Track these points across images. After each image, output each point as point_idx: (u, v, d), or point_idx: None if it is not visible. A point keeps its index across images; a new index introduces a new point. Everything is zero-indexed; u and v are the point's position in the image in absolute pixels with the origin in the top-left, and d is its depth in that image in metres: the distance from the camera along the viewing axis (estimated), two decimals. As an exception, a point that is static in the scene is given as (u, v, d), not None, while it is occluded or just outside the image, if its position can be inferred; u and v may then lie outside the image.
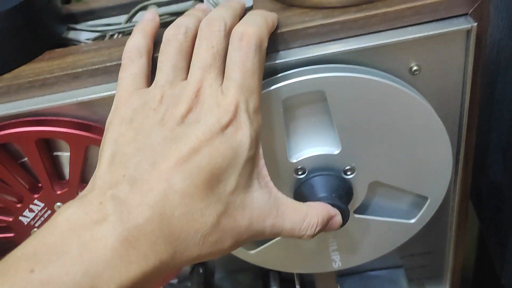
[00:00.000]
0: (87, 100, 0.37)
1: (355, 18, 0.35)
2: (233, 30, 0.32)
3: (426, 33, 0.35)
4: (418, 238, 0.47)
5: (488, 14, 0.36)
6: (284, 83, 0.35)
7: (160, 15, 0.48)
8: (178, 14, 0.48)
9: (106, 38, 0.47)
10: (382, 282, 0.50)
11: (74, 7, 0.49)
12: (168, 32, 0.34)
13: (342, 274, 0.52)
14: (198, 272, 0.48)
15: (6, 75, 0.38)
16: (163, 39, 0.34)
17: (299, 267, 0.47)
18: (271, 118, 0.37)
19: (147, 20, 0.37)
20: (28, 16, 0.39)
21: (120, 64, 0.36)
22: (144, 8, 0.48)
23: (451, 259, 0.51)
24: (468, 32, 0.35)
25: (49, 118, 0.37)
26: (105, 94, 0.37)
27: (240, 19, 0.34)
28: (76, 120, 0.38)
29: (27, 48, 0.40)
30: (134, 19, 0.49)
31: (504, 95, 0.50)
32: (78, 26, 0.47)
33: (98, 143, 0.37)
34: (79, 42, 0.47)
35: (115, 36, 0.48)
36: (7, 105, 0.38)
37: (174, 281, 0.49)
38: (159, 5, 0.48)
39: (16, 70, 0.39)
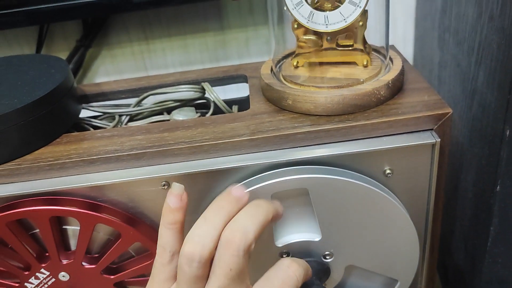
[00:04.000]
0: (100, 185, 0.42)
1: (338, 128, 0.41)
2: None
3: (397, 145, 0.41)
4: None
5: (450, 131, 0.42)
6: (273, 181, 0.41)
7: (164, 101, 0.54)
8: (181, 101, 0.54)
9: (116, 120, 0.52)
10: None
11: (87, 88, 0.55)
12: (185, 251, 0.33)
13: None
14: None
15: (27, 156, 0.43)
16: (181, 258, 0.34)
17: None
18: (261, 208, 0.42)
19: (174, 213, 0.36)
20: (53, 104, 0.44)
21: (130, 155, 0.41)
22: (152, 95, 0.53)
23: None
24: (433, 145, 0.41)
25: (63, 197, 0.42)
26: (115, 180, 0.41)
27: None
28: (87, 201, 0.42)
29: (48, 132, 0.45)
30: (142, 103, 0.54)
31: (466, 192, 0.55)
32: (91, 107, 0.53)
33: (105, 221, 0.42)
34: (90, 121, 0.52)
35: (123, 117, 0.53)
36: (26, 184, 0.42)
37: None
38: (159, 94, 0.53)
39: (36, 152, 0.44)
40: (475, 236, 0.53)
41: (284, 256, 0.44)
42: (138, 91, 0.55)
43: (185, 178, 0.42)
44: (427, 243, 0.47)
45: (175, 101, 0.54)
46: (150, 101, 0.54)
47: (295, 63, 0.48)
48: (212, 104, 0.54)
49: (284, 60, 0.50)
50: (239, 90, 0.58)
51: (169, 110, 0.54)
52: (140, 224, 0.43)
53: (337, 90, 0.43)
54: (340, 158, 0.42)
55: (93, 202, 0.42)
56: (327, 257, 0.45)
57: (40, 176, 0.42)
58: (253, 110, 0.46)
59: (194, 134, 0.43)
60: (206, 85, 0.51)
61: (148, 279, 0.47)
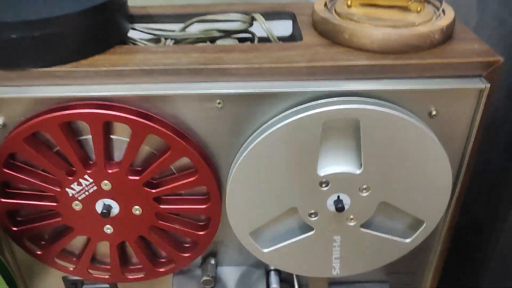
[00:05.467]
0: (156, 95, 0.42)
1: (394, 64, 0.42)
2: None
3: (447, 86, 0.43)
4: (405, 258, 0.55)
5: (498, 80, 0.43)
6: (327, 109, 0.42)
7: (208, 30, 0.54)
8: (225, 32, 0.54)
9: (162, 42, 0.52)
10: (369, 293, 0.57)
11: (134, 10, 0.55)
12: None
13: (333, 282, 0.58)
14: (210, 262, 0.53)
15: (83, 61, 0.43)
16: None
17: (303, 270, 0.53)
18: (310, 136, 0.43)
19: None
20: (109, 13, 0.44)
21: (189, 69, 0.42)
22: (199, 21, 0.53)
23: (429, 280, 0.58)
24: (481, 91, 0.43)
25: (118, 104, 0.42)
26: (172, 92, 0.42)
27: None
28: (141, 111, 0.43)
29: (102, 40, 0.45)
30: (187, 29, 0.54)
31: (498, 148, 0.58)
32: (138, 27, 0.53)
33: (157, 132, 0.43)
34: (135, 41, 0.52)
35: (168, 41, 0.53)
36: (82, 87, 0.42)
37: (186, 268, 0.54)
38: (211, 20, 0.54)
39: (91, 58, 0.44)
40: (503, 189, 0.55)
41: (323, 186, 0.46)
42: (184, 17, 0.55)
43: (239, 98, 0.43)
44: (456, 191, 0.50)
45: (219, 31, 0.54)
46: (194, 29, 0.54)
47: (348, 3, 0.49)
48: (256, 39, 0.55)
49: (336, 0, 0.51)
50: (280, 29, 0.58)
51: (212, 40, 0.55)
52: (189, 140, 0.44)
53: (394, 29, 0.44)
54: (391, 94, 0.43)
55: (146, 113, 0.43)
56: (364, 191, 0.47)
57: (96, 81, 0.42)
58: (306, 42, 0.46)
59: (250, 57, 0.44)
60: (257, 16, 0.51)
61: (184, 198, 0.49)
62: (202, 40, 0.54)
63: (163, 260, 0.53)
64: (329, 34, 0.46)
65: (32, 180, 0.45)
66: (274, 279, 0.55)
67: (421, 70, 0.43)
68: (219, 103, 0.43)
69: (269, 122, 0.44)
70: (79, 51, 0.43)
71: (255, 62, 0.43)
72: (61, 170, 0.45)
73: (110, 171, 0.45)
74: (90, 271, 0.53)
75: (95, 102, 0.42)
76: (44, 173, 0.46)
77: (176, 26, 0.55)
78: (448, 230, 0.53)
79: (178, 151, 0.44)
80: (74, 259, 0.53)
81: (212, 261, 0.53)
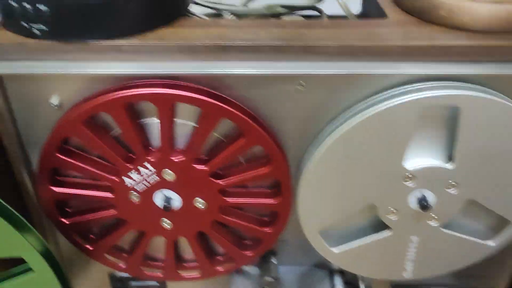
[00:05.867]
0: (231, 74, 0.38)
1: (502, 45, 0.37)
2: None
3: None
4: (481, 262, 0.50)
5: None
6: (425, 94, 0.37)
7: (271, 5, 0.49)
8: (289, 8, 0.49)
9: (224, 16, 0.48)
10: (437, 298, 0.52)
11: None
12: None
13: (397, 285, 0.54)
14: (272, 261, 0.49)
15: (149, 34, 0.38)
16: None
17: (372, 271, 0.49)
18: (403, 125, 0.39)
19: None
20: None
21: (271, 47, 0.37)
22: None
23: (503, 286, 0.53)
24: None
25: (188, 84, 0.38)
26: (250, 71, 0.37)
27: None
28: (214, 92, 0.38)
29: (167, 10, 0.40)
30: (250, 5, 0.50)
31: None
32: (198, 0, 0.48)
33: (231, 116, 0.38)
34: (194, 15, 0.47)
35: (229, 16, 0.48)
36: (148, 63, 0.38)
37: (246, 268, 0.50)
38: (277, -3, 0.49)
39: (157, 31, 0.39)
40: None
41: (407, 181, 0.41)
42: (245, -9, 0.50)
43: (324, 80, 0.38)
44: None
45: (284, 6, 0.49)
46: (256, 4, 0.50)
47: (439, -23, 0.44)
48: (324, 16, 0.50)
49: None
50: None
51: (275, 17, 0.50)
52: (264, 127, 0.40)
53: (501, 5, 0.39)
54: (496, 80, 0.38)
55: (219, 94, 0.38)
56: (450, 187, 0.42)
57: (165, 57, 0.38)
58: (393, 20, 0.42)
59: (338, 34, 0.39)
60: (333, -10, 0.46)
61: (250, 191, 0.44)
62: (265, 16, 0.49)
63: (220, 258, 0.49)
64: (420, 11, 0.41)
65: (87, 167, 0.41)
66: (338, 281, 0.51)
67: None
68: (301, 85, 0.38)
69: (356, 108, 0.39)
70: (144, 22, 0.38)
71: (343, 40, 0.38)
72: (120, 156, 0.40)
73: (174, 159, 0.40)
74: (142, 268, 0.48)
75: (163, 81, 0.37)
76: (99, 160, 0.41)
77: (235, 1, 0.50)
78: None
79: (253, 138, 0.39)
80: (125, 255, 0.48)
81: (274, 260, 0.49)
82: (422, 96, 0.37)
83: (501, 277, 0.53)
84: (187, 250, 0.48)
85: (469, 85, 0.38)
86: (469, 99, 0.37)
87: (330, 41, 0.37)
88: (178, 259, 0.49)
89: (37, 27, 0.36)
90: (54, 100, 0.38)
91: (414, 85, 0.38)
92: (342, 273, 0.52)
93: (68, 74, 0.37)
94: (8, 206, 0.37)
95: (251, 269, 0.51)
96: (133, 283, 0.52)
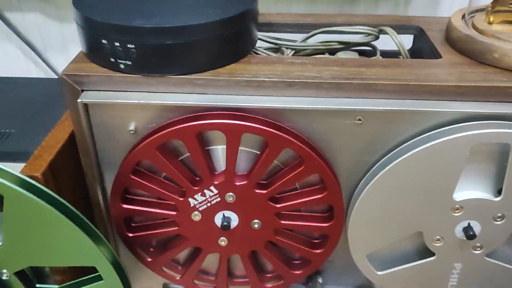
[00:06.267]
0: (294, 109, 0.41)
1: (553, 88, 0.40)
2: None
3: None
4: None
5: None
6: (478, 132, 0.39)
7: (327, 41, 0.52)
8: (345, 44, 0.52)
9: (285, 53, 0.51)
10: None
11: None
12: None
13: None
14: (318, 281, 0.51)
15: (220, 70, 0.42)
16: None
17: (415, 295, 0.51)
18: (455, 159, 0.41)
19: None
20: (244, 23, 0.43)
21: (332, 83, 0.40)
22: (323, 32, 0.52)
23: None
24: None
25: (255, 116, 0.41)
26: (313, 107, 0.40)
27: None
28: (278, 123, 0.41)
29: (238, 49, 0.43)
30: (309, 40, 0.52)
31: None
32: (261, 36, 0.51)
33: (293, 146, 0.41)
34: (256, 49, 0.50)
35: (289, 52, 0.51)
36: (217, 96, 0.41)
37: (294, 286, 0.52)
38: (336, 32, 0.52)
39: (228, 67, 0.42)
40: None
41: (456, 211, 0.44)
42: (302, 27, 0.53)
43: (380, 115, 0.41)
44: None
45: (340, 42, 0.52)
46: (313, 39, 0.53)
47: (490, 19, 0.46)
48: (378, 52, 0.53)
49: (473, 15, 0.49)
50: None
51: (331, 52, 0.53)
52: (322, 157, 0.42)
53: (551, 50, 0.41)
54: (546, 120, 0.40)
55: (283, 126, 0.41)
56: (498, 219, 0.44)
57: (234, 91, 0.41)
58: (448, 60, 0.44)
59: (395, 73, 0.41)
60: (388, 29, 0.49)
61: (304, 215, 0.47)
62: (321, 51, 0.52)
63: (269, 275, 0.52)
64: (474, 53, 0.44)
65: (156, 188, 0.44)
66: (379, 304, 0.53)
67: None
68: (359, 119, 0.41)
69: (411, 142, 0.42)
70: (216, 59, 0.42)
71: (400, 79, 0.41)
72: (187, 179, 0.44)
73: (237, 183, 0.44)
74: (195, 281, 0.52)
75: (233, 113, 0.41)
76: (167, 182, 0.45)
77: (295, 36, 0.53)
78: None
79: (311, 167, 0.42)
80: (180, 268, 0.51)
81: (320, 280, 0.51)
82: (475, 133, 0.40)
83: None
84: (238, 266, 0.52)
85: (520, 124, 0.41)
86: (520, 138, 0.40)
87: (387, 79, 0.40)
88: (230, 274, 0.52)
89: (123, 62, 0.39)
90: (131, 127, 0.42)
91: (468, 123, 0.40)
92: (384, 295, 0.54)
93: (147, 104, 0.41)
94: (85, 219, 0.41)
95: (298, 287, 0.54)
96: (185, 295, 0.55)
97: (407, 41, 0.54)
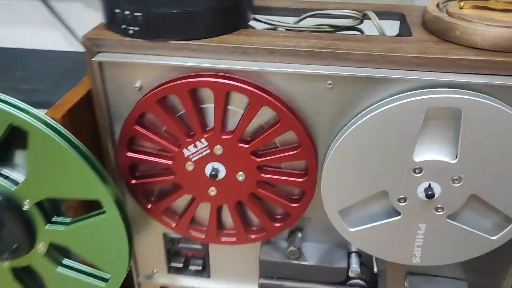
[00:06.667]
0: (275, 71, 0.47)
1: (503, 61, 0.45)
2: None
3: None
4: (488, 258, 0.56)
5: None
6: (432, 96, 0.45)
7: (319, 25, 0.58)
8: (335, 27, 0.58)
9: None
10: (446, 288, 0.59)
11: (256, 1, 0.60)
12: None
13: (410, 273, 0.60)
14: (297, 235, 0.57)
15: (214, 38, 0.49)
16: None
17: (384, 253, 0.56)
18: (412, 122, 0.46)
19: None
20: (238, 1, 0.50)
21: (307, 51, 0.46)
22: (314, 16, 0.58)
23: (509, 284, 0.58)
24: None
25: (238, 77, 0.48)
26: (290, 70, 0.47)
27: None
28: (258, 85, 0.48)
29: (231, 22, 0.51)
30: (301, 23, 0.59)
31: None
32: (258, 17, 0.58)
33: (270, 104, 0.48)
34: (254, 29, 0.57)
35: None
36: (210, 60, 0.48)
37: (273, 240, 0.59)
38: (324, 15, 0.58)
39: (221, 36, 0.49)
40: None
41: (416, 172, 0.49)
42: (299, 11, 0.60)
43: (348, 81, 0.47)
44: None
45: (330, 26, 0.58)
46: (307, 23, 0.59)
47: (461, 5, 0.51)
48: (364, 35, 0.58)
49: (447, 3, 0.54)
50: (387, 29, 0.62)
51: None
52: (297, 116, 0.49)
53: (506, 28, 0.46)
54: (496, 89, 0.45)
55: (263, 87, 0.48)
56: (456, 182, 0.49)
57: (224, 56, 0.48)
58: (416, 38, 0.50)
59: (364, 46, 0.47)
60: (370, 13, 0.55)
61: (283, 171, 0.53)
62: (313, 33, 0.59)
63: (254, 228, 0.58)
64: (440, 32, 0.49)
65: (155, 138, 0.52)
66: (354, 260, 0.58)
67: (528, 70, 0.45)
68: (330, 84, 0.47)
69: (374, 106, 0.48)
70: (211, 29, 0.49)
71: (367, 50, 0.47)
72: (182, 131, 0.51)
73: (224, 137, 0.50)
74: (189, 230, 0.59)
75: (221, 73, 0.48)
76: (165, 134, 0.52)
77: (291, 19, 0.60)
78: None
79: (287, 124, 0.48)
80: (177, 217, 0.59)
81: (299, 235, 0.57)
82: (429, 97, 0.45)
83: (508, 276, 0.58)
84: (225, 220, 0.58)
85: (471, 92, 0.45)
86: (470, 102, 0.45)
87: (356, 50, 0.46)
88: (220, 227, 0.59)
89: (132, 29, 0.47)
90: (137, 84, 0.50)
91: (425, 89, 0.46)
92: (359, 255, 0.59)
93: (149, 64, 0.49)
94: (95, 159, 0.49)
95: (280, 242, 0.60)
96: (181, 245, 0.62)
97: (396, 28, 0.60)
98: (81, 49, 0.50)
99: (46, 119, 0.47)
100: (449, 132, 0.48)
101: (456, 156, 0.48)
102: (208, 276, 0.65)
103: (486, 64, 0.45)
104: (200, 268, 0.63)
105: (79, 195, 0.51)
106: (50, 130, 0.47)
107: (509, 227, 0.52)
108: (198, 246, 0.62)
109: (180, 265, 0.63)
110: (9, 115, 0.46)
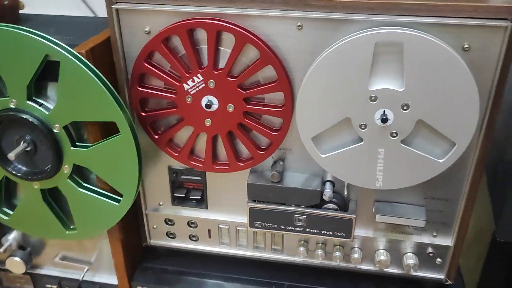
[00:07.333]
0: (254, 15, 0.59)
1: (438, 5, 0.55)
2: None
3: (478, 23, 0.55)
4: (440, 184, 0.65)
5: (522, 21, 0.55)
6: (379, 31, 0.56)
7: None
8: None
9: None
10: (407, 213, 0.68)
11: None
12: None
13: (378, 200, 0.70)
14: (279, 163, 0.68)
15: (208, -8, 0.61)
16: None
17: (352, 178, 0.66)
18: (364, 55, 0.57)
19: None
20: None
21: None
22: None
23: (461, 210, 0.67)
24: (506, 28, 0.54)
25: (227, 20, 0.60)
26: (264, 13, 0.59)
27: None
28: (243, 26, 0.60)
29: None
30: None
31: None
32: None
33: (252, 42, 0.59)
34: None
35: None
36: (204, 8, 0.60)
37: (259, 169, 0.69)
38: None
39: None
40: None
41: (372, 99, 0.59)
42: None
43: (315, 22, 0.58)
44: (485, 120, 0.60)
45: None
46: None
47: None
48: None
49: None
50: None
51: None
52: (274, 53, 0.60)
53: (440, -21, 0.57)
54: (432, 27, 0.56)
55: (246, 28, 0.60)
56: (404, 108, 0.59)
57: (216, 4, 0.60)
58: (371, -9, 0.61)
59: (327, -5, 0.59)
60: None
61: (265, 104, 0.64)
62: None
63: (243, 158, 0.69)
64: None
65: (161, 74, 0.64)
66: (328, 186, 0.68)
67: (458, 11, 0.55)
68: (299, 25, 0.59)
69: (334, 43, 0.59)
70: (206, -16, 0.61)
71: (329, -2, 0.58)
72: (182, 68, 0.63)
73: (216, 72, 0.62)
74: (190, 160, 0.70)
75: (213, 17, 0.60)
76: (169, 72, 0.64)
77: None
78: (478, 163, 0.63)
79: (266, 58, 0.60)
80: (179, 149, 0.70)
81: (281, 163, 0.68)
82: (376, 33, 0.56)
83: (460, 201, 0.67)
84: (221, 152, 0.69)
85: (410, 28, 0.56)
86: (409, 36, 0.56)
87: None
88: (214, 157, 0.70)
89: (143, -19, 0.60)
90: (147, 28, 0.62)
91: (373, 28, 0.57)
92: (333, 183, 0.69)
93: (158, 10, 0.61)
94: (113, 89, 0.61)
95: (265, 171, 0.70)
96: (183, 177, 0.74)
97: None
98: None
99: (74, 52, 0.60)
100: (397, 64, 0.58)
101: (403, 86, 0.58)
102: (206, 207, 0.76)
103: (422, 7, 0.56)
104: (199, 197, 0.74)
105: (99, 117, 0.63)
106: (77, 61, 0.59)
107: (452, 150, 0.61)
108: (198, 178, 0.73)
109: (182, 195, 0.74)
110: (46, 46, 0.59)
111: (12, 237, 0.81)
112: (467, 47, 0.56)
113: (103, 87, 0.60)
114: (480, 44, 0.56)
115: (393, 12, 0.57)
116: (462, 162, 0.64)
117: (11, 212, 0.75)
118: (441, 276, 0.74)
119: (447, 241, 0.71)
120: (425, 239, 0.72)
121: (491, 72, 0.58)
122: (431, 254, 0.73)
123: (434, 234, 0.71)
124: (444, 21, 0.56)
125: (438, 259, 0.73)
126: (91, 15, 1.10)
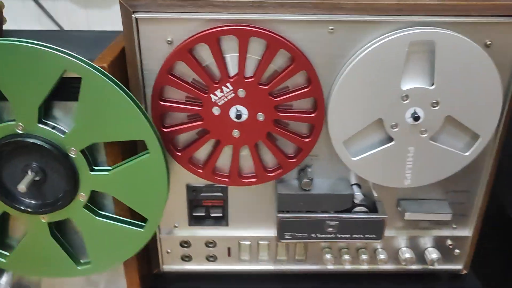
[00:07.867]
0: (286, 20, 0.58)
1: (461, 4, 0.58)
2: None
3: (499, 20, 0.58)
4: (462, 176, 0.68)
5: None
6: (412, 32, 0.57)
7: None
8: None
9: None
10: (433, 208, 0.69)
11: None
12: None
13: (401, 198, 0.71)
14: (308, 170, 0.66)
15: (233, -2, 0.59)
16: None
17: (382, 179, 0.66)
18: (397, 55, 0.58)
19: None
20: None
21: (309, 3, 0.57)
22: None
23: (480, 199, 0.70)
24: (526, 24, 0.58)
25: (258, 26, 0.58)
26: (297, 18, 0.58)
27: None
28: (274, 32, 0.58)
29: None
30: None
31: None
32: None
33: (286, 47, 0.58)
34: None
35: None
36: (233, 15, 0.58)
37: (286, 179, 0.68)
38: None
39: (238, -3, 0.60)
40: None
41: (404, 99, 0.60)
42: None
43: (346, 25, 0.58)
44: (504, 114, 0.64)
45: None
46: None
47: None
48: None
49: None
50: None
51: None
52: (307, 57, 0.59)
53: (460, -19, 0.60)
54: (458, 26, 0.58)
55: (279, 34, 0.58)
56: (434, 105, 0.61)
57: (244, 11, 0.58)
58: (392, -6, 0.63)
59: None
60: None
61: (296, 110, 0.63)
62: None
63: (270, 168, 0.67)
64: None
65: (186, 85, 0.60)
66: (356, 189, 0.68)
67: (478, 10, 0.58)
68: (331, 29, 0.58)
69: (366, 46, 0.59)
70: (230, -10, 0.59)
71: (359, 2, 0.59)
72: (210, 78, 0.60)
73: (246, 80, 0.60)
74: (213, 176, 0.66)
75: (242, 24, 0.58)
76: (194, 83, 0.61)
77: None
78: (497, 151, 0.67)
79: (300, 64, 0.59)
80: (201, 165, 0.66)
81: (309, 170, 0.67)
82: (410, 33, 0.57)
83: (479, 191, 0.70)
84: (245, 164, 0.67)
85: (441, 28, 0.58)
86: (440, 35, 0.58)
87: (352, 2, 0.58)
88: (240, 171, 0.67)
89: (166, -12, 0.57)
90: (169, 37, 0.59)
91: (405, 29, 0.58)
92: (359, 186, 0.69)
93: (181, 18, 0.58)
94: (141, 105, 0.56)
95: (291, 181, 0.68)
96: (202, 194, 0.69)
97: None
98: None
99: (97, 66, 0.54)
100: (427, 63, 0.60)
101: (433, 83, 0.60)
102: (227, 224, 0.72)
103: (446, 7, 0.58)
104: (220, 215, 0.70)
105: (126, 136, 0.57)
106: (101, 76, 0.54)
107: (477, 143, 0.64)
108: (219, 194, 0.69)
109: (202, 213, 0.70)
110: (65, 61, 0.53)
111: (4, 281, 0.72)
112: (489, 43, 0.60)
113: (132, 103, 0.55)
114: (501, 40, 0.60)
115: (420, 13, 0.59)
116: (482, 154, 0.67)
117: (7, 254, 0.66)
118: (459, 266, 0.77)
119: (466, 231, 0.74)
120: (445, 232, 0.74)
121: (510, 66, 0.62)
122: (450, 246, 0.75)
123: (454, 226, 0.74)
124: (468, 19, 0.58)
125: (457, 250, 0.75)
126: (55, 28, 1.02)
